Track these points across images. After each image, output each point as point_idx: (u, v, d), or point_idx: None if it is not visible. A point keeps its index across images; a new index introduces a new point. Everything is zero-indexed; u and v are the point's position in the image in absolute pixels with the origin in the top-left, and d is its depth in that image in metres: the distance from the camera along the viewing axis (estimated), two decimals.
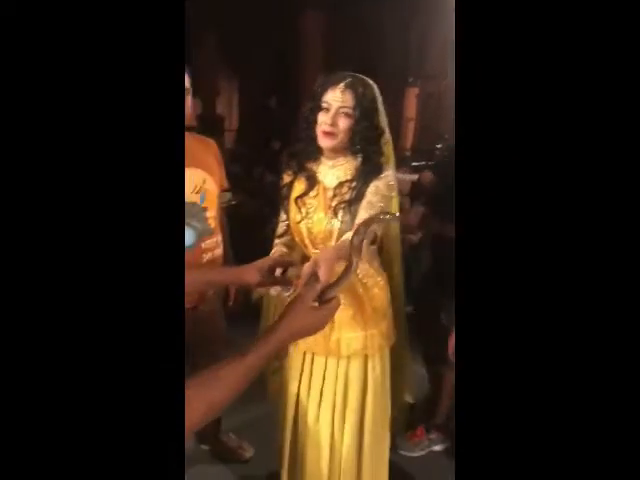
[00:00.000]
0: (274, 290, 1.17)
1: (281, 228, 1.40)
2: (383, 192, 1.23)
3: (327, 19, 7.54)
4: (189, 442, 1.87)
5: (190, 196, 1.42)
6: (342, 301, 1.28)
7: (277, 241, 1.39)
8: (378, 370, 1.38)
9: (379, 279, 1.38)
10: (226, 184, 1.64)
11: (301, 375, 1.39)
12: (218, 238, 1.54)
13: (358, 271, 1.31)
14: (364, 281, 1.35)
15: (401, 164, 3.28)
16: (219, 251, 1.54)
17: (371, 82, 1.28)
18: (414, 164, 3.91)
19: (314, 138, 1.28)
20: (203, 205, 1.46)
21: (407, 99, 8.66)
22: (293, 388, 1.41)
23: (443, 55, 6.90)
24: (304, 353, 1.38)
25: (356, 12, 7.27)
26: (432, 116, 7.36)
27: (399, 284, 1.47)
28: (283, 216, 1.39)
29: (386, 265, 1.43)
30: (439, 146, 3.80)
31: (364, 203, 1.22)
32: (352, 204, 1.25)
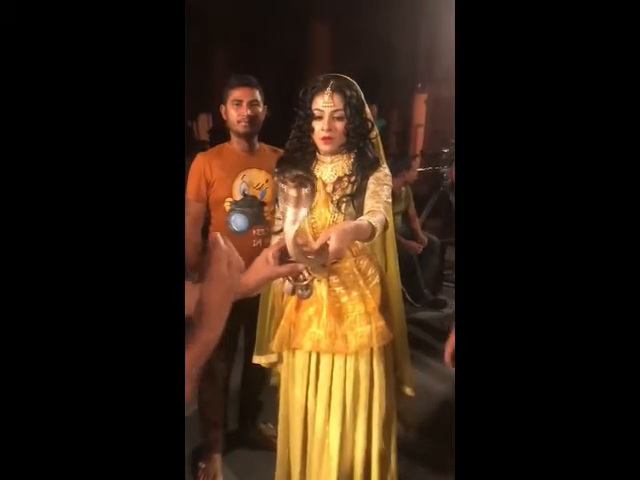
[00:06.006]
0: (287, 290, 1.23)
1: (278, 226, 1.42)
2: (384, 181, 1.31)
3: (333, 27, 7.58)
4: (233, 426, 2.03)
5: (252, 191, 1.73)
6: (345, 295, 1.34)
7: (277, 238, 1.40)
8: (383, 364, 1.38)
9: (379, 273, 1.41)
10: None
11: (308, 378, 1.38)
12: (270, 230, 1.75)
13: (361, 265, 1.36)
14: (367, 275, 1.37)
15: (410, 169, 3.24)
16: (269, 241, 1.71)
17: (351, 79, 1.32)
18: (420, 169, 3.92)
19: (311, 144, 1.35)
20: (263, 200, 1.74)
21: (416, 105, 8.64)
22: (299, 392, 1.39)
23: (451, 59, 6.85)
24: (309, 354, 1.37)
25: (362, 19, 7.29)
26: (440, 121, 7.31)
27: (396, 278, 1.50)
28: (279, 214, 1.37)
29: (383, 260, 1.49)
30: (446, 151, 3.78)
31: (369, 193, 1.28)
32: (355, 197, 1.31)
